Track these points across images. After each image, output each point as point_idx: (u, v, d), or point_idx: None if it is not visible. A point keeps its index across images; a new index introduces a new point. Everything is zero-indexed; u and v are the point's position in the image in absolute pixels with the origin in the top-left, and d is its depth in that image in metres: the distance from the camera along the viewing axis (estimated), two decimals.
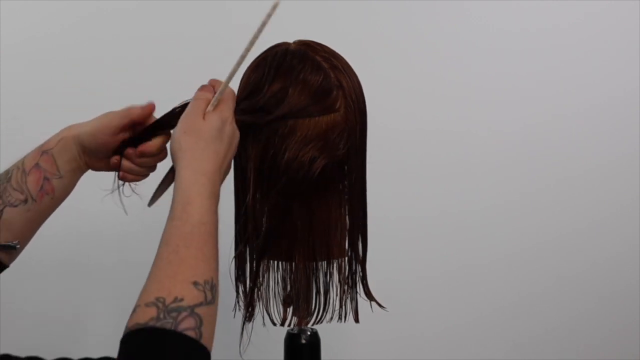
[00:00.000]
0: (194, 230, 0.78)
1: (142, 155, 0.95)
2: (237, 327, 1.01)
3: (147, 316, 0.72)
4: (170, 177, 0.95)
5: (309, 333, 1.07)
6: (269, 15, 0.85)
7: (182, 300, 0.73)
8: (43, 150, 0.94)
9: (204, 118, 0.87)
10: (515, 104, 1.62)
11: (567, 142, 1.65)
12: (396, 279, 1.58)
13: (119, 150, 0.95)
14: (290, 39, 1.00)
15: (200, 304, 0.74)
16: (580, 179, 1.66)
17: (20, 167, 0.94)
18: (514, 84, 1.61)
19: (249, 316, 1.00)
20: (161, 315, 0.72)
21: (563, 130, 1.64)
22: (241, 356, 1.00)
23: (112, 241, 1.50)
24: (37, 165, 0.93)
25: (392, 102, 1.55)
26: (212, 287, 0.77)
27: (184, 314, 0.73)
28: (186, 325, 0.72)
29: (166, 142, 0.95)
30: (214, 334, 0.76)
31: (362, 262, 1.03)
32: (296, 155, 0.93)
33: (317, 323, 1.03)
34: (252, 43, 0.88)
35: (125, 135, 0.95)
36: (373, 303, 1.04)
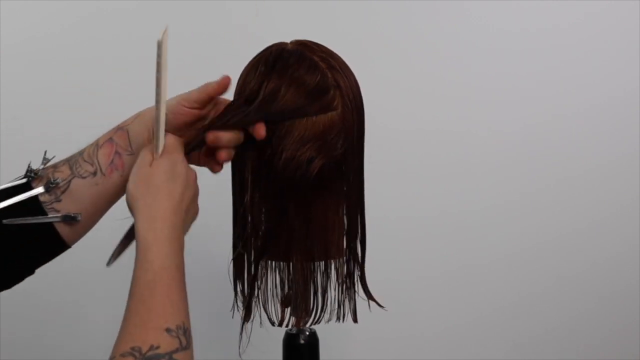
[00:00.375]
0: (156, 277, 0.78)
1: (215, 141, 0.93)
2: (236, 327, 1.01)
3: None
4: (130, 234, 0.93)
5: (307, 333, 1.07)
6: (159, 56, 0.84)
7: (158, 347, 0.73)
8: (119, 127, 0.94)
9: (151, 166, 0.86)
10: (515, 104, 1.62)
11: (567, 142, 1.65)
12: (396, 279, 1.58)
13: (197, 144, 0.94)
14: (289, 38, 1.00)
15: (176, 350, 0.74)
16: (580, 179, 1.66)
17: (94, 143, 0.94)
18: (514, 84, 1.61)
19: (247, 316, 1.00)
20: None
21: (563, 130, 1.64)
22: (240, 356, 1.00)
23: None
24: (110, 139, 0.93)
25: (392, 102, 1.55)
26: (185, 332, 0.76)
27: None
28: None
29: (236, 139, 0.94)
30: None
31: (361, 262, 1.03)
32: (294, 156, 0.92)
33: (315, 323, 1.03)
34: (158, 82, 0.87)
35: (200, 112, 0.94)
36: (372, 303, 1.04)
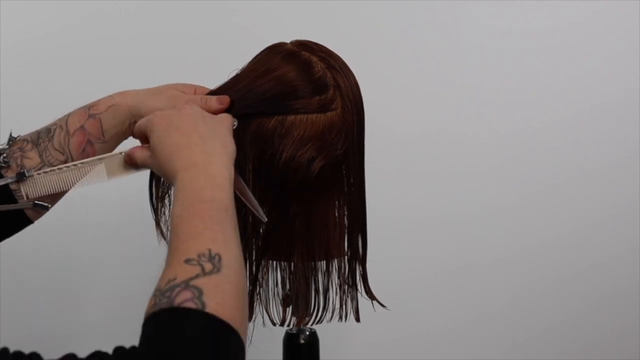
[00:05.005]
0: (176, 221, 0.75)
1: (221, 103, 0.93)
2: None
3: (148, 307, 0.68)
4: None
5: (307, 333, 1.07)
6: None
7: (174, 279, 0.68)
8: (90, 114, 0.94)
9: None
10: (516, 104, 1.61)
11: (567, 143, 1.65)
12: (396, 279, 1.58)
13: None
14: (289, 38, 1.00)
15: (195, 277, 0.68)
16: (580, 179, 1.66)
17: (63, 127, 0.93)
18: (514, 84, 1.61)
19: (249, 316, 1.00)
20: (157, 300, 0.68)
21: (563, 131, 1.64)
22: None
23: (106, 237, 1.50)
24: (82, 127, 0.93)
25: (392, 102, 1.55)
26: (211, 258, 0.70)
27: (177, 289, 0.67)
28: (182, 299, 0.66)
29: None
30: (233, 302, 0.68)
31: (362, 261, 1.03)
32: (294, 156, 0.93)
33: (317, 323, 1.03)
34: None
35: None
36: (374, 302, 1.04)
